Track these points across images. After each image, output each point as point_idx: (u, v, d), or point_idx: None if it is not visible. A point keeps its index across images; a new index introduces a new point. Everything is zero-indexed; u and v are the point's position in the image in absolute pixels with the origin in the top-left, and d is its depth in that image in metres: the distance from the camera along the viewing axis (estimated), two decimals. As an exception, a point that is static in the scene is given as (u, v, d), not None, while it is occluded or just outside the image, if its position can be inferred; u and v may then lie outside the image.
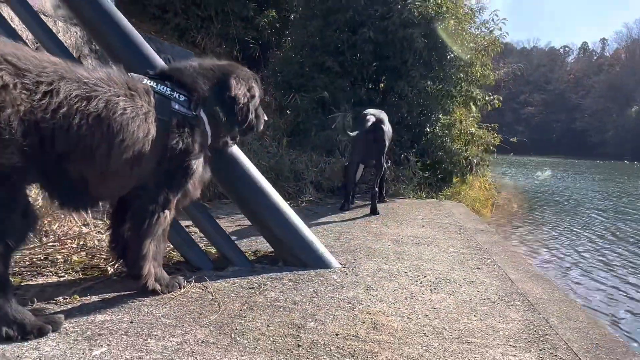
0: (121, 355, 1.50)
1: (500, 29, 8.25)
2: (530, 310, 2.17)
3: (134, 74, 1.93)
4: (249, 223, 2.88)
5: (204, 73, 2.10)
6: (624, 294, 4.38)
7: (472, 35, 8.13)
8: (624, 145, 56.87)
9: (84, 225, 2.96)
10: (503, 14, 9.11)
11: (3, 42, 1.53)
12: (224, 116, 2.11)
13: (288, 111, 7.82)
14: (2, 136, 1.41)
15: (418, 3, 7.10)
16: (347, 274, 2.57)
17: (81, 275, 2.28)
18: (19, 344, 1.53)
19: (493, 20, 8.26)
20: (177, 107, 1.92)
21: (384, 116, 4.98)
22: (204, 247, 2.69)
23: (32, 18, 2.67)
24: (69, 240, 2.74)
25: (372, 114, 4.84)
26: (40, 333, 1.57)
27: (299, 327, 1.80)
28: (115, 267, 2.36)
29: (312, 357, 1.57)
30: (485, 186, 9.35)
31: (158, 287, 2.03)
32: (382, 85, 8.27)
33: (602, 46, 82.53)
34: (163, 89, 1.93)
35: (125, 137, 1.70)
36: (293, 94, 7.59)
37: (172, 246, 2.61)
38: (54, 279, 2.21)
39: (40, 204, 2.57)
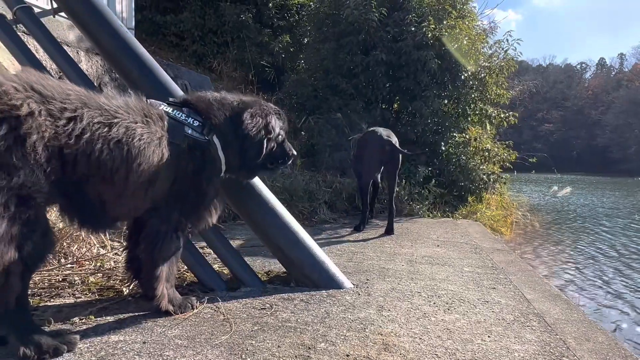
0: (133, 375, 1.52)
1: (515, 49, 8.28)
2: (547, 331, 2.12)
3: (152, 100, 2.01)
4: (263, 244, 2.91)
5: (222, 102, 2.15)
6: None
7: (485, 55, 8.17)
8: (647, 161, 55.34)
9: (101, 247, 3.03)
10: (517, 33, 9.16)
11: (29, 72, 1.63)
12: (238, 146, 2.12)
13: (302, 132, 7.93)
14: (28, 160, 1.48)
15: (432, 26, 7.21)
16: (359, 294, 2.56)
17: (97, 296, 2.33)
18: (35, 363, 1.56)
19: (507, 40, 8.30)
20: (190, 131, 1.99)
21: (391, 134, 4.89)
22: (217, 268, 2.72)
23: (55, 49, 2.81)
24: (87, 262, 2.81)
25: (381, 131, 4.77)
26: (56, 353, 1.61)
27: (309, 348, 1.80)
28: (130, 287, 2.40)
29: (321, 378, 1.57)
30: (503, 204, 9.21)
31: (171, 307, 2.06)
32: (395, 105, 8.34)
33: (620, 61, 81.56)
34: (178, 114, 2.00)
35: (142, 161, 1.77)
36: (307, 116, 7.70)
37: (185, 267, 2.65)
38: (71, 300, 2.26)
39: (59, 227, 2.66)
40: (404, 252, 3.86)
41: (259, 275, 2.74)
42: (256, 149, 2.15)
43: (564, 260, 6.52)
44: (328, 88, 8.01)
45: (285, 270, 2.77)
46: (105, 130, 1.68)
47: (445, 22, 7.44)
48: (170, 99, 2.15)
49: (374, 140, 4.74)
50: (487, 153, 8.04)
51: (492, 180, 7.93)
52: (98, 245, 3.02)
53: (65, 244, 2.85)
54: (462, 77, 7.65)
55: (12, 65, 4.03)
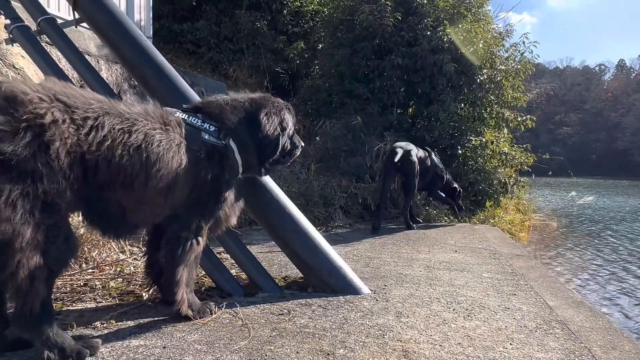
0: (154, 380, 1.53)
1: (532, 52, 8.18)
2: (571, 339, 2.07)
3: (168, 108, 2.04)
4: (280, 249, 2.91)
5: (234, 104, 2.18)
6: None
7: (501, 58, 8.09)
8: (670, 164, 53.95)
9: (121, 252, 3.07)
10: (533, 35, 9.05)
11: (53, 82, 1.67)
12: (254, 147, 2.16)
13: (317, 138, 7.94)
14: (51, 167, 1.51)
15: (449, 30, 7.18)
16: (377, 300, 2.54)
17: (118, 301, 2.36)
18: (59, 367, 1.59)
19: (524, 43, 8.20)
20: (206, 137, 2.01)
21: (411, 147, 5.46)
22: (235, 273, 2.73)
23: (77, 58, 2.87)
24: (107, 267, 2.85)
25: (400, 147, 5.33)
26: (79, 357, 1.63)
27: (328, 354, 1.79)
28: (150, 292, 2.43)
29: (341, 385, 1.55)
30: (521, 208, 9.06)
31: (190, 313, 2.07)
32: (410, 110, 8.30)
33: (640, 63, 79.90)
34: (194, 120, 2.03)
35: (161, 167, 1.79)
36: (322, 121, 7.71)
37: (203, 272, 2.66)
38: (92, 305, 2.29)
39: (81, 232, 2.70)
40: (422, 257, 3.82)
41: (276, 281, 2.74)
42: (272, 147, 2.20)
43: (584, 267, 6.38)
44: (343, 93, 8.02)
45: (302, 275, 2.76)
46: (126, 136, 1.70)
47: (460, 26, 7.39)
48: (184, 106, 2.18)
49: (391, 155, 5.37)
50: (504, 156, 7.94)
51: (510, 183, 7.82)
52: (118, 251, 3.07)
53: (86, 249, 2.90)
54: (478, 80, 7.59)
55: (35, 75, 4.14)
